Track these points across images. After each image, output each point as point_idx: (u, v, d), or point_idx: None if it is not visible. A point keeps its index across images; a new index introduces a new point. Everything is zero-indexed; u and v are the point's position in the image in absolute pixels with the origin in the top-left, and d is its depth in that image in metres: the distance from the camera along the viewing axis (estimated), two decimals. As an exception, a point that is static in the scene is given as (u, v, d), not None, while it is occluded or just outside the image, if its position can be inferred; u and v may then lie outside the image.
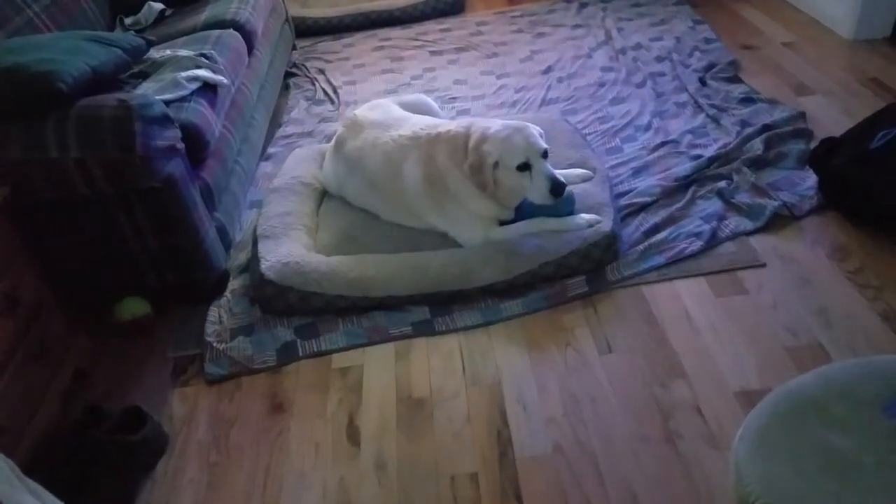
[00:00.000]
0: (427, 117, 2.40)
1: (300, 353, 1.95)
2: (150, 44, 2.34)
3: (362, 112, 2.42)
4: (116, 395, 1.89)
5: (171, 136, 1.95)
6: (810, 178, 2.29)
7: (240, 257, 2.28)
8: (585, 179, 2.32)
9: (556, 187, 2.01)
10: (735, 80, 2.97)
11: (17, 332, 1.69)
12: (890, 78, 2.83)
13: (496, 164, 2.03)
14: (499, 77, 3.29)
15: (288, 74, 3.52)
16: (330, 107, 3.22)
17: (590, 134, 2.70)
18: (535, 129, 2.08)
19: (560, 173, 2.10)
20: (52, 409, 1.74)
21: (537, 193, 2.04)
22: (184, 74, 2.23)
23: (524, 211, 2.17)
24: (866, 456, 1.06)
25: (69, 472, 1.56)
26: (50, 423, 1.72)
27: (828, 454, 1.07)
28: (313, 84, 3.44)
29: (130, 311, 2.06)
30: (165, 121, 1.93)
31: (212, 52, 2.45)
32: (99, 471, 1.59)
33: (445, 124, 2.24)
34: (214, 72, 2.36)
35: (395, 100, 2.55)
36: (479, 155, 2.05)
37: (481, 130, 2.09)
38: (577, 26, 3.69)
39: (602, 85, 3.08)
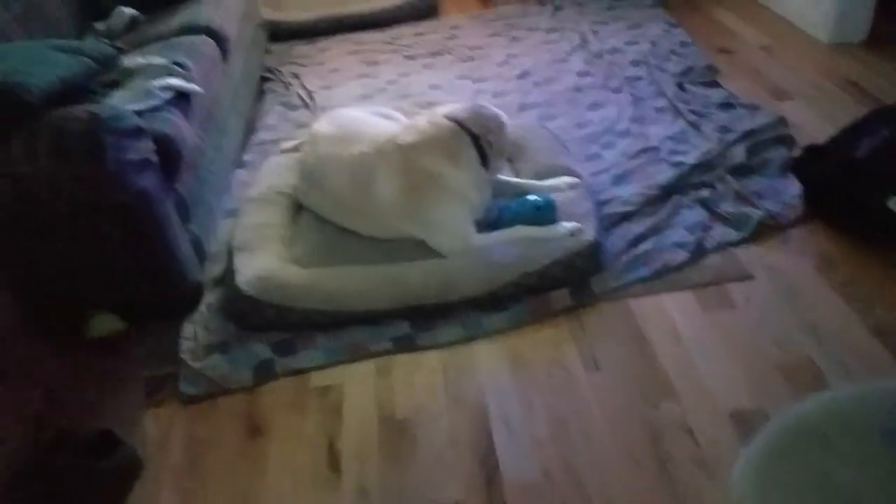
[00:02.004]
0: (382, 123, 2.33)
1: (277, 372, 1.89)
2: (120, 52, 2.26)
3: (320, 126, 2.35)
4: (89, 417, 1.80)
5: (144, 149, 1.87)
6: (794, 186, 2.27)
7: (214, 269, 2.21)
8: (573, 187, 2.28)
9: None
10: (713, 84, 2.95)
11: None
12: (868, 82, 2.83)
13: None
14: (475, 82, 3.22)
15: (263, 79, 3.43)
16: (305, 112, 3.14)
17: (568, 140, 2.65)
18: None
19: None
20: (22, 434, 1.66)
21: None
22: (156, 83, 2.14)
23: (504, 220, 2.13)
24: (873, 491, 1.01)
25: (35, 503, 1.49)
26: (21, 448, 1.63)
27: (833, 490, 1.02)
28: (287, 89, 3.36)
29: (102, 329, 1.99)
30: (138, 133, 1.86)
31: (185, 59, 2.37)
32: (66, 501, 1.52)
33: (409, 129, 2.16)
34: (188, 80, 2.27)
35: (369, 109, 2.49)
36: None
37: (481, 119, 2.15)
38: (552, 30, 3.65)
39: (579, 90, 3.04)
